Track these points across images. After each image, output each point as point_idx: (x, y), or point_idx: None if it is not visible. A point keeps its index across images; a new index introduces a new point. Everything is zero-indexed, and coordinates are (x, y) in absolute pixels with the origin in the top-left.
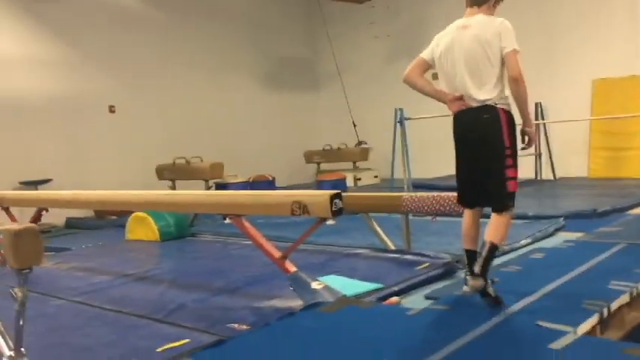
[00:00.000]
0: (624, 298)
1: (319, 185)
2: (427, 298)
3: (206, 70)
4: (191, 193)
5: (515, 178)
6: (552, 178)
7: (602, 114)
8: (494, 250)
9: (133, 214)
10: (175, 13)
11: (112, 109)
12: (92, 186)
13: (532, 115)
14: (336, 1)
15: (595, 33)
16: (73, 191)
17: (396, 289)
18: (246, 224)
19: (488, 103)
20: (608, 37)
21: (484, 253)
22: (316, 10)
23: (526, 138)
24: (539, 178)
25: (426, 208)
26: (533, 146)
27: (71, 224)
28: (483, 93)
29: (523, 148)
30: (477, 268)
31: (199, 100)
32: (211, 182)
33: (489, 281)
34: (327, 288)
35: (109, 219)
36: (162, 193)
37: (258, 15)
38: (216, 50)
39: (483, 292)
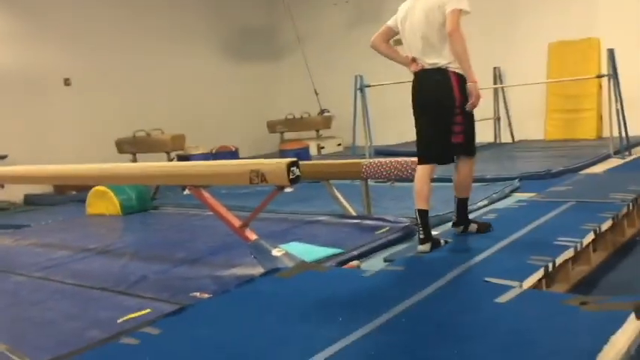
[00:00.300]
0: (569, 253)
1: (282, 154)
2: (385, 260)
3: (165, 39)
4: (149, 165)
5: (460, 133)
6: (511, 141)
7: (558, 77)
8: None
9: (94, 189)
10: None
11: (67, 82)
12: (50, 161)
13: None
14: None
15: None
16: (30, 166)
17: (355, 253)
18: (206, 194)
19: (440, 66)
20: (562, 1)
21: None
22: None
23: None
24: (498, 141)
25: (384, 173)
26: (491, 109)
27: (30, 201)
28: (434, 57)
29: (468, 107)
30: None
31: (159, 71)
32: (173, 154)
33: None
34: (287, 254)
35: (68, 194)
36: (121, 165)
37: None
38: (174, 19)
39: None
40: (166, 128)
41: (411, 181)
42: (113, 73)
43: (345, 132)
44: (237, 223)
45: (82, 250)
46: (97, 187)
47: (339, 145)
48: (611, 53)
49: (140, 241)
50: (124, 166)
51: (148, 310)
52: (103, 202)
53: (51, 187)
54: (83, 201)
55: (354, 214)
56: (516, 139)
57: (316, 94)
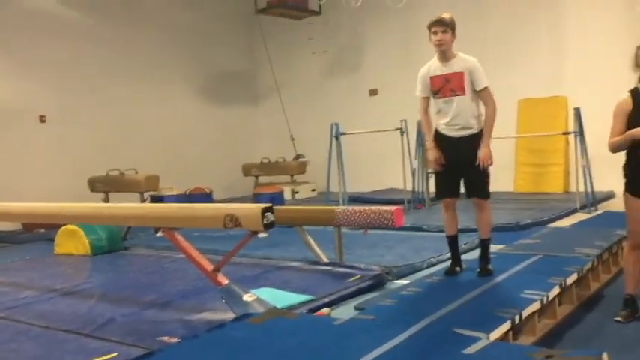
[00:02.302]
0: (535, 306)
1: (256, 199)
2: (356, 308)
3: (143, 81)
4: (122, 206)
5: None
6: None
7: (526, 132)
8: None
9: (63, 227)
10: (112, 22)
11: (42, 119)
12: (21, 198)
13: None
14: (275, 17)
15: (520, 56)
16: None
17: (327, 300)
18: (179, 237)
19: None
20: (532, 59)
21: None
22: (256, 24)
23: None
24: None
25: (358, 221)
26: None
27: None
28: None
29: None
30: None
31: (136, 112)
32: (146, 195)
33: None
34: (258, 300)
35: (37, 232)
36: (92, 205)
37: (197, 27)
38: (153, 60)
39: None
40: (141, 168)
41: (384, 228)
42: (89, 111)
43: (319, 178)
44: (209, 266)
45: (48, 290)
46: (66, 226)
47: (313, 190)
48: (577, 112)
49: (109, 282)
50: (96, 206)
51: (114, 354)
52: (73, 242)
53: (19, 224)
54: (52, 239)
55: (326, 260)
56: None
57: (292, 139)
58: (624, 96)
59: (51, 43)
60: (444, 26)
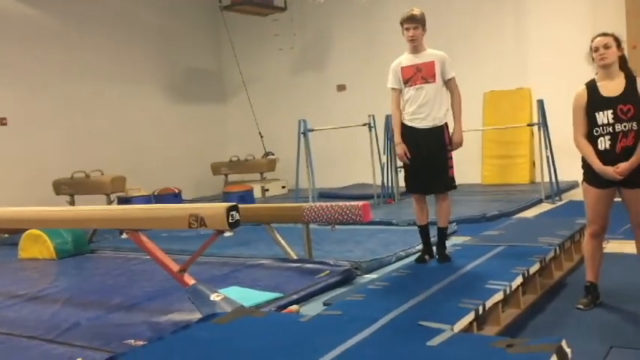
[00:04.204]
0: (498, 296)
1: (226, 197)
2: (325, 304)
3: (109, 80)
4: (85, 208)
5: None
6: None
7: (492, 124)
8: None
9: (26, 232)
10: (74, 21)
11: (3, 122)
12: None
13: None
14: (241, 14)
15: (485, 49)
16: None
17: (295, 297)
18: (143, 238)
19: None
20: (497, 52)
21: None
22: (221, 22)
23: None
24: None
25: (325, 217)
26: None
27: None
28: None
29: None
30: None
31: (101, 112)
32: (113, 196)
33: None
34: (226, 299)
35: (0, 237)
36: (55, 209)
37: (162, 25)
38: (119, 60)
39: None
40: (107, 169)
41: (351, 224)
42: (52, 112)
43: (289, 174)
44: (175, 267)
45: (11, 297)
46: (30, 231)
47: (284, 187)
48: (540, 103)
49: (74, 286)
50: (59, 209)
51: None
52: (37, 246)
53: None
54: (16, 244)
55: (295, 257)
56: (455, 183)
57: (261, 136)
58: (580, 89)
59: (10, 43)
60: (416, 22)
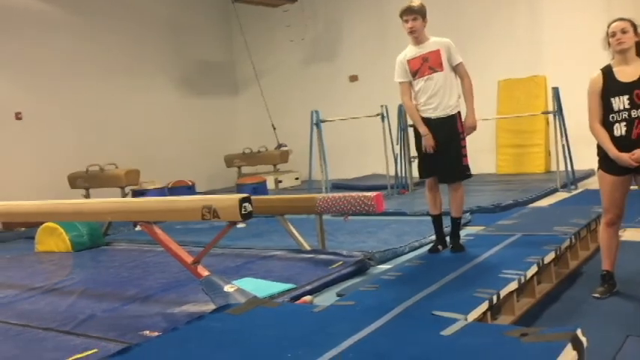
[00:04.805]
0: (512, 286)
1: (239, 189)
2: (338, 295)
3: (120, 73)
4: (100, 201)
5: None
6: None
7: (507, 113)
8: None
9: (43, 225)
10: (87, 15)
11: (18, 116)
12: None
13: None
14: (252, 5)
15: (499, 37)
16: None
17: (309, 288)
18: (157, 230)
19: None
20: (511, 40)
21: None
22: (233, 13)
23: None
24: None
25: (338, 208)
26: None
27: None
28: None
29: None
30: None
31: (114, 105)
32: (127, 189)
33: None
34: (239, 290)
35: (17, 231)
36: (70, 202)
37: (175, 18)
38: (130, 53)
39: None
40: (121, 163)
41: (365, 215)
42: (66, 106)
43: (302, 166)
44: (189, 259)
45: (28, 289)
46: (46, 224)
47: (297, 179)
48: (555, 91)
49: (90, 278)
50: (74, 202)
51: (94, 350)
52: (53, 239)
53: None
54: (32, 238)
55: (308, 248)
56: (470, 171)
57: (273, 128)
58: (595, 74)
59: (25, 38)
60: (414, 14)
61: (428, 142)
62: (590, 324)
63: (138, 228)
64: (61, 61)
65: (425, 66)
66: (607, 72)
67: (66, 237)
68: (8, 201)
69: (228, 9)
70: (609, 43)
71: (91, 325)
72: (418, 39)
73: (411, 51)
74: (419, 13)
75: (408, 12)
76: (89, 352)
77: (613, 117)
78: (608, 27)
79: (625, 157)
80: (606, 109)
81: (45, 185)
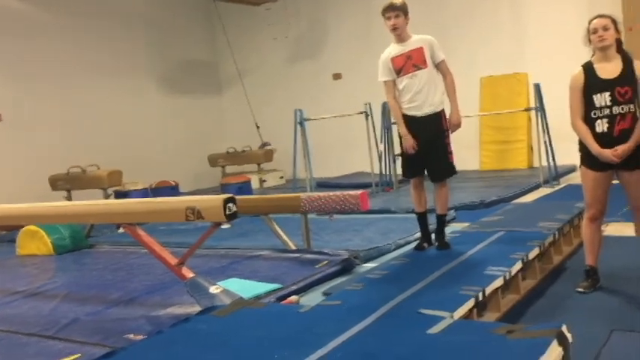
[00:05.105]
0: (498, 282)
1: (224, 189)
2: (324, 294)
3: (102, 74)
4: (82, 203)
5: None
6: None
7: (489, 110)
8: None
9: (24, 228)
10: (67, 14)
11: None
12: None
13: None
14: (234, 3)
15: (481, 34)
16: None
17: (295, 287)
18: (140, 232)
19: None
20: (493, 37)
21: None
22: (214, 12)
23: None
24: None
25: (323, 207)
26: None
27: None
28: None
29: None
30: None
31: (95, 106)
32: (110, 191)
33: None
34: (225, 292)
35: None
36: (52, 204)
37: (157, 17)
38: (111, 53)
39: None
40: (104, 164)
41: (350, 213)
42: (47, 107)
43: (286, 165)
44: (173, 261)
45: (9, 294)
46: (27, 227)
47: (282, 177)
48: (537, 87)
49: (73, 281)
50: (55, 204)
51: (77, 355)
52: (35, 242)
53: None
54: (13, 241)
55: (293, 248)
56: (455, 169)
57: (257, 127)
58: (576, 71)
59: (3, 38)
60: (396, 11)
61: (407, 142)
62: (574, 319)
63: (121, 230)
64: (41, 61)
65: (409, 63)
66: (588, 69)
67: (48, 240)
68: None
69: (209, 7)
70: (590, 40)
71: (74, 329)
72: (401, 36)
73: (394, 49)
74: (401, 10)
75: (390, 9)
76: (73, 357)
77: (595, 113)
78: (589, 23)
79: (607, 154)
80: (588, 105)
81: (25, 187)
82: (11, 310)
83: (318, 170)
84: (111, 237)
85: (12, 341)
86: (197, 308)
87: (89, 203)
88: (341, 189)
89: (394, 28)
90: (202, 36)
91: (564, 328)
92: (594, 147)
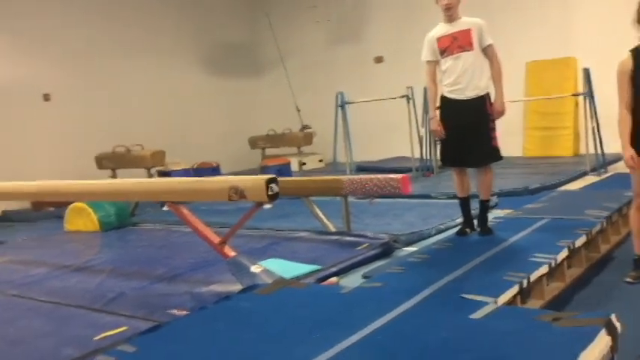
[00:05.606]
0: (543, 270)
1: (264, 171)
2: (364, 277)
3: (146, 54)
4: (127, 181)
5: None
6: None
7: (535, 95)
8: None
9: (72, 205)
10: None
11: (46, 97)
12: (28, 177)
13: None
14: None
15: (528, 18)
16: (8, 182)
17: (334, 269)
18: (184, 211)
19: None
20: (540, 21)
21: None
22: None
23: None
24: None
25: (364, 190)
26: None
27: (6, 217)
28: None
29: None
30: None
31: (139, 86)
32: (153, 170)
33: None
34: (266, 271)
35: (46, 210)
36: (98, 182)
37: None
38: (156, 33)
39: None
40: (147, 143)
41: (392, 197)
42: (93, 87)
43: (326, 148)
44: (216, 239)
45: (58, 267)
46: (75, 204)
47: (321, 161)
48: (586, 72)
49: (118, 257)
50: (102, 182)
51: (124, 328)
52: (81, 219)
53: (28, 203)
54: (61, 217)
55: (333, 230)
56: (500, 153)
57: (298, 110)
58: (625, 56)
59: (52, 18)
60: None
61: (433, 125)
62: (621, 309)
63: (165, 208)
64: (88, 42)
65: (454, 44)
66: (636, 54)
67: (94, 217)
68: (35, 181)
69: None
70: (639, 20)
71: (120, 303)
72: (452, 17)
73: (441, 29)
74: None
75: None
76: (119, 330)
77: None
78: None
79: (627, 156)
80: (636, 92)
81: (73, 165)
82: (60, 283)
83: (357, 154)
84: (154, 215)
85: (61, 313)
86: (238, 286)
87: (135, 181)
88: (381, 173)
89: (448, 8)
90: (244, 18)
91: (613, 317)
92: (626, 147)
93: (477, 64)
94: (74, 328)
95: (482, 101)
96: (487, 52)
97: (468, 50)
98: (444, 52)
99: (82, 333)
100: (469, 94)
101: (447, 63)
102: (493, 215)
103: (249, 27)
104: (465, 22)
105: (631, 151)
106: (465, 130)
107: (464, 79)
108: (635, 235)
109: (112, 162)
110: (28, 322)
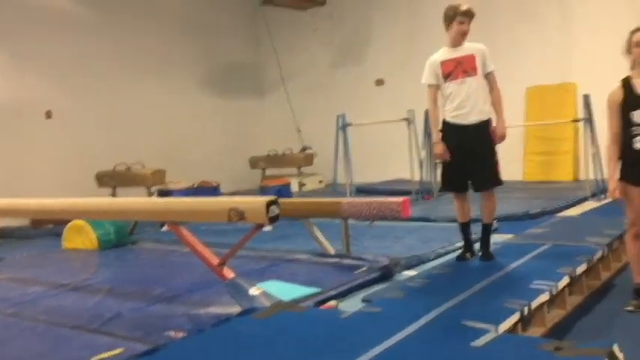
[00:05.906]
0: (544, 297)
1: (263, 191)
2: (364, 300)
3: (148, 73)
4: (127, 200)
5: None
6: None
7: (535, 120)
8: None
9: (70, 223)
10: (116, 15)
11: (48, 115)
12: (28, 194)
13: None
14: (280, 7)
15: (528, 44)
16: (7, 199)
17: (333, 292)
18: (184, 231)
19: None
20: (540, 47)
21: None
22: (260, 16)
23: None
24: None
25: (364, 212)
26: None
27: (5, 233)
28: None
29: None
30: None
31: (141, 105)
32: (154, 189)
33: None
34: (264, 294)
35: (45, 228)
36: (98, 200)
37: (202, 19)
38: (158, 54)
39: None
40: (148, 162)
41: (392, 220)
42: (96, 105)
43: (326, 169)
44: (214, 260)
45: (55, 286)
46: (74, 221)
47: (321, 182)
48: (586, 99)
49: (116, 277)
50: (102, 201)
51: (120, 350)
52: (80, 237)
53: (27, 220)
54: (59, 235)
55: (333, 252)
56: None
57: (298, 131)
58: (616, 86)
59: (55, 37)
60: (471, 17)
61: (437, 149)
62: (623, 338)
63: (165, 228)
64: (90, 60)
65: (458, 69)
66: (626, 84)
67: (93, 235)
68: (35, 198)
69: (255, 11)
70: (629, 51)
71: (117, 324)
72: (460, 42)
73: (444, 53)
74: (473, 17)
75: (469, 14)
76: (115, 352)
77: (633, 130)
78: (632, 34)
79: (611, 187)
80: (626, 122)
81: (73, 183)
82: (56, 303)
83: (357, 175)
84: (153, 234)
85: (57, 333)
86: (237, 308)
87: (135, 200)
88: (380, 195)
89: (464, 33)
90: (247, 39)
91: (616, 348)
92: (612, 179)
93: (480, 89)
94: (70, 349)
95: (485, 126)
96: (488, 78)
97: (472, 75)
98: (447, 76)
99: (78, 354)
100: (472, 119)
101: (450, 87)
102: (493, 240)
103: (253, 48)
104: (468, 47)
105: (615, 183)
106: (468, 155)
107: (468, 103)
108: (632, 263)
109: (112, 180)
110: (24, 343)
